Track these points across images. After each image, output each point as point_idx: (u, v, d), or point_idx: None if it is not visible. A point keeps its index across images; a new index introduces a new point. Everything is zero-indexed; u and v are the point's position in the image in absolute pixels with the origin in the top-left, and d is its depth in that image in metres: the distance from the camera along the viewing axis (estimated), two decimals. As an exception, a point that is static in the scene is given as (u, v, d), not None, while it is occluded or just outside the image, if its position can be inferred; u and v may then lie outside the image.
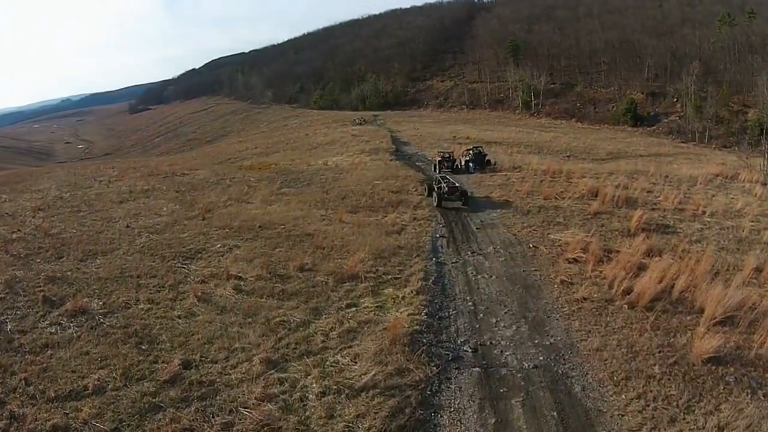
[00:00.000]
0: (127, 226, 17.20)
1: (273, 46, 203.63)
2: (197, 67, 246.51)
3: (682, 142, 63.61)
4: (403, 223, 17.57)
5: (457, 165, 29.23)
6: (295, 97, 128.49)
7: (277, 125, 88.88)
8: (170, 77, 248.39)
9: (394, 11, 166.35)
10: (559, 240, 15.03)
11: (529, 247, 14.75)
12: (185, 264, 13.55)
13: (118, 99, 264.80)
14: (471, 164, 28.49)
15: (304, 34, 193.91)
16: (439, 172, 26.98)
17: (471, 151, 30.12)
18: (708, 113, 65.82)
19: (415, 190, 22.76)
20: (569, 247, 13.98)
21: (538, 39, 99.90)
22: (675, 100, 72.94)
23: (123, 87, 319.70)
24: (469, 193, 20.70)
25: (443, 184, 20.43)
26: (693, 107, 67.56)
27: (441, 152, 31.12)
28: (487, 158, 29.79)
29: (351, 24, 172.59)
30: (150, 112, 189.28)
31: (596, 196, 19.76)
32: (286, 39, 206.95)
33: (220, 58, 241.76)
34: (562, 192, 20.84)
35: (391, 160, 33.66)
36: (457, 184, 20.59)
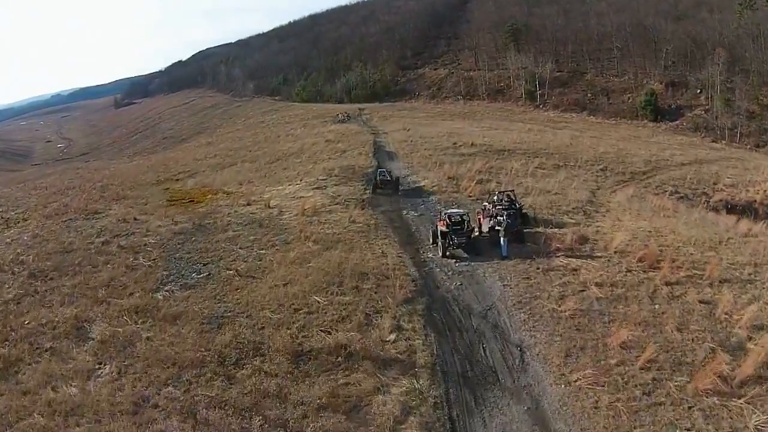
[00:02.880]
0: None
1: (258, 36, 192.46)
2: (183, 59, 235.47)
3: (713, 140, 55.44)
4: None
5: (474, 229, 17.65)
6: (278, 89, 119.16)
7: (254, 122, 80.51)
8: (159, 69, 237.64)
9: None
10: None
11: None
12: None
13: (109, 92, 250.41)
14: (503, 238, 16.46)
15: (289, 23, 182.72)
16: (444, 254, 16.56)
17: (497, 203, 18.67)
18: (738, 107, 57.60)
19: (392, 342, 12.06)
20: None
21: (540, 22, 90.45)
22: (698, 91, 64.41)
23: (114, 80, 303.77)
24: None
25: (379, 178, 25.05)
26: (721, 100, 59.19)
27: (449, 214, 17.43)
28: (523, 210, 19.19)
29: (337, 11, 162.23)
30: (134, 107, 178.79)
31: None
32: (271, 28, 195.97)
33: (206, 49, 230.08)
34: (724, 367, 10.28)
35: (365, 199, 23.71)
36: (388, 178, 25.14)
